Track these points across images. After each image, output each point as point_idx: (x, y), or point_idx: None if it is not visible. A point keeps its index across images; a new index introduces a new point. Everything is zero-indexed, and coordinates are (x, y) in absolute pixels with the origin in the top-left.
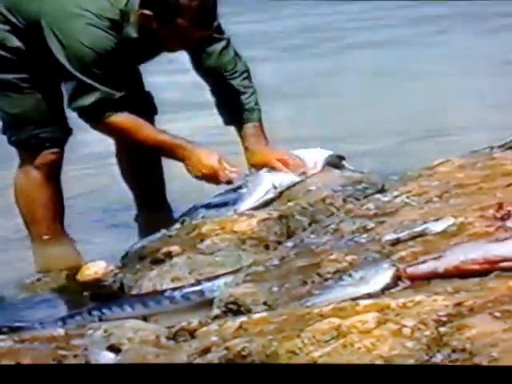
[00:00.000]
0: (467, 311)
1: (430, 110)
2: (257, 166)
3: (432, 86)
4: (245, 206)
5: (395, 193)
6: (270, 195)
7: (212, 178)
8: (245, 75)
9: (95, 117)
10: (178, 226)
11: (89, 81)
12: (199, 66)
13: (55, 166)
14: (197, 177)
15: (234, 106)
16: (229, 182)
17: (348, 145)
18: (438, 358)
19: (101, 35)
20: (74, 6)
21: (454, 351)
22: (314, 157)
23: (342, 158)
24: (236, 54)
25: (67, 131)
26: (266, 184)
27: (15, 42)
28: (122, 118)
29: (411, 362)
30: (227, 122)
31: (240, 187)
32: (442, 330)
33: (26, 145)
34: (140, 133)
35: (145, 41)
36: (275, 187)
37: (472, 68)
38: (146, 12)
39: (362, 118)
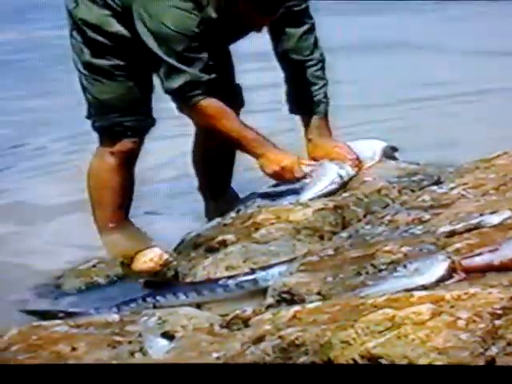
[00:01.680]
0: None
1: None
2: (318, 159)
3: None
4: (309, 195)
5: (451, 185)
6: (335, 186)
7: (286, 175)
8: (320, 65)
9: (185, 100)
10: (233, 214)
11: (176, 63)
12: (278, 47)
13: (132, 154)
14: (270, 174)
15: (302, 96)
16: (304, 177)
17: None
18: (493, 351)
19: (184, 16)
20: None
21: (509, 344)
22: (372, 147)
23: (395, 149)
24: (316, 41)
25: (151, 122)
26: (331, 174)
27: (114, 27)
28: (211, 103)
29: (466, 354)
30: (292, 111)
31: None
32: (497, 322)
33: (109, 131)
34: (224, 122)
35: (226, 21)
36: (341, 177)
37: None
38: None
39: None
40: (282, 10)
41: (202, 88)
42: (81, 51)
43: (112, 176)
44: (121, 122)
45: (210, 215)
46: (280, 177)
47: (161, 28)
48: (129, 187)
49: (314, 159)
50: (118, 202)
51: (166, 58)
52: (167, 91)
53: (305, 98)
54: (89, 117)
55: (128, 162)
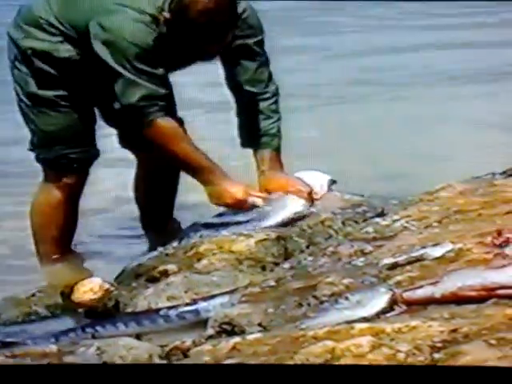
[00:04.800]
0: (462, 338)
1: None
2: (272, 192)
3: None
4: (269, 223)
5: (395, 217)
6: (288, 220)
7: (235, 207)
8: (274, 99)
9: (142, 116)
10: (175, 244)
11: (133, 76)
12: (232, 79)
13: (78, 187)
14: (218, 204)
15: (256, 129)
16: (253, 207)
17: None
18: None
19: (142, 29)
20: (113, 3)
21: None
22: (319, 179)
23: (333, 181)
24: (271, 75)
25: (95, 153)
26: (292, 207)
27: (65, 53)
28: (169, 124)
29: None
30: (245, 144)
31: (257, 207)
32: (436, 356)
33: (54, 164)
34: (179, 145)
35: (177, 42)
36: (301, 212)
37: None
38: (166, 15)
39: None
40: (230, 37)
41: (159, 104)
42: (25, 82)
43: (58, 212)
44: (66, 153)
45: (151, 247)
46: (228, 206)
47: (118, 41)
48: (73, 220)
49: (268, 192)
50: (62, 237)
51: (123, 71)
52: (124, 107)
53: (258, 132)
54: (32, 148)
55: (74, 195)
